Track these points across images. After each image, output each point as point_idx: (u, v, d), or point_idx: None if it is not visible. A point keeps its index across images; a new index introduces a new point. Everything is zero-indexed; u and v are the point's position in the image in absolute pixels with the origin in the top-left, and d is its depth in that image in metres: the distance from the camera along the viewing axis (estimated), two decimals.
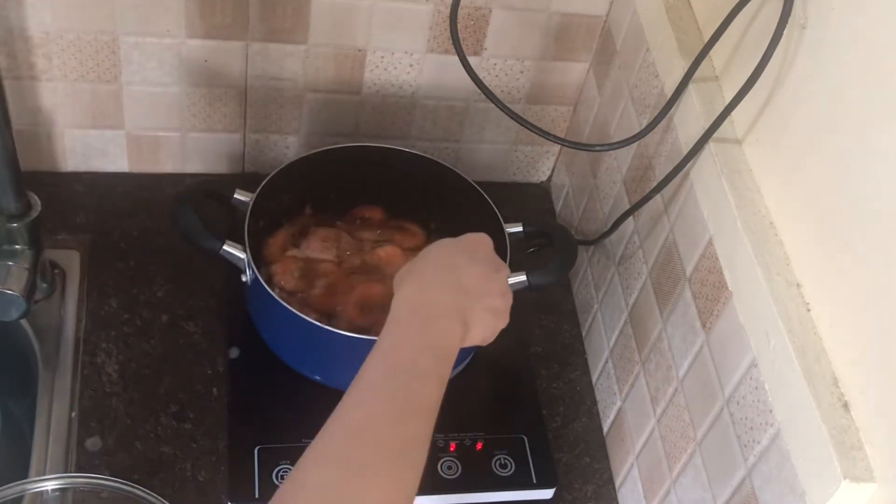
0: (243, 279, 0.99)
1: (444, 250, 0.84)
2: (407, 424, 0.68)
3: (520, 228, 1.06)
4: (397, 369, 0.71)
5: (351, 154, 1.10)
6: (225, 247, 0.97)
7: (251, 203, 1.00)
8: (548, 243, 1.07)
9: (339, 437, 0.66)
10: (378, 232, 1.11)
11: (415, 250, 1.07)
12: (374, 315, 1.02)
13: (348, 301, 1.03)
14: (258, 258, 1.03)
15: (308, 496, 0.63)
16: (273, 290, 0.98)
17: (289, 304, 0.96)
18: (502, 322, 0.84)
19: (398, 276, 0.81)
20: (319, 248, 1.07)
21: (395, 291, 0.79)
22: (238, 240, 0.98)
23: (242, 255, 0.97)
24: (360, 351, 0.93)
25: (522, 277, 1.00)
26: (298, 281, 1.04)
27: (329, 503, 0.62)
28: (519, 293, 1.02)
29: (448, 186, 1.10)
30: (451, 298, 0.78)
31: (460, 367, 1.10)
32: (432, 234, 1.12)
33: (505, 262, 0.99)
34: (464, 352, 1.09)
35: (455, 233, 0.88)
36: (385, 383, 0.70)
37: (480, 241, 0.87)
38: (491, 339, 0.84)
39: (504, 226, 1.04)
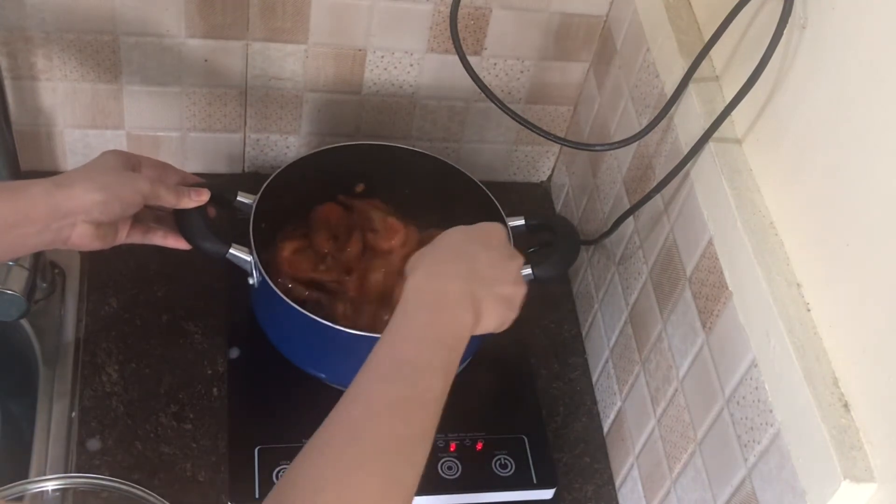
0: (250, 282, 0.99)
1: (457, 237, 0.85)
2: (407, 422, 0.68)
3: (521, 222, 1.06)
4: (402, 364, 0.71)
5: (351, 153, 1.10)
6: (231, 250, 0.97)
7: (254, 205, 1.00)
8: (549, 238, 1.06)
9: (336, 433, 0.66)
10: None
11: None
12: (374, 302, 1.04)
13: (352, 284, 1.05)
14: (264, 259, 1.03)
15: (302, 493, 0.63)
16: (280, 290, 0.97)
17: (295, 299, 0.97)
18: (514, 312, 0.83)
19: (411, 262, 0.81)
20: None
21: (407, 277, 0.79)
22: (242, 242, 0.97)
23: (249, 258, 0.97)
24: (372, 349, 0.93)
25: (528, 271, 1.00)
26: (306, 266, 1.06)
27: (322, 501, 0.62)
28: None
29: (449, 183, 1.10)
30: (462, 286, 0.78)
31: (462, 366, 1.10)
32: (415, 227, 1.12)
33: None
34: (469, 346, 1.09)
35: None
36: (388, 378, 0.70)
37: (494, 230, 0.87)
38: (503, 328, 0.83)
39: (506, 220, 1.05)
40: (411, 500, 0.66)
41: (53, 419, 1.01)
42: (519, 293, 0.84)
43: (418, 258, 0.81)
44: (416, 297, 0.76)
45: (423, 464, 0.68)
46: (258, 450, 1.01)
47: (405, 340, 0.73)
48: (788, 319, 0.77)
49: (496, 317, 0.81)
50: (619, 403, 1.08)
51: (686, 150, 0.92)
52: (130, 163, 0.90)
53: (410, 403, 0.69)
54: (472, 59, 1.10)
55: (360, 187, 1.13)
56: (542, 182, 1.37)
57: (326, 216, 1.10)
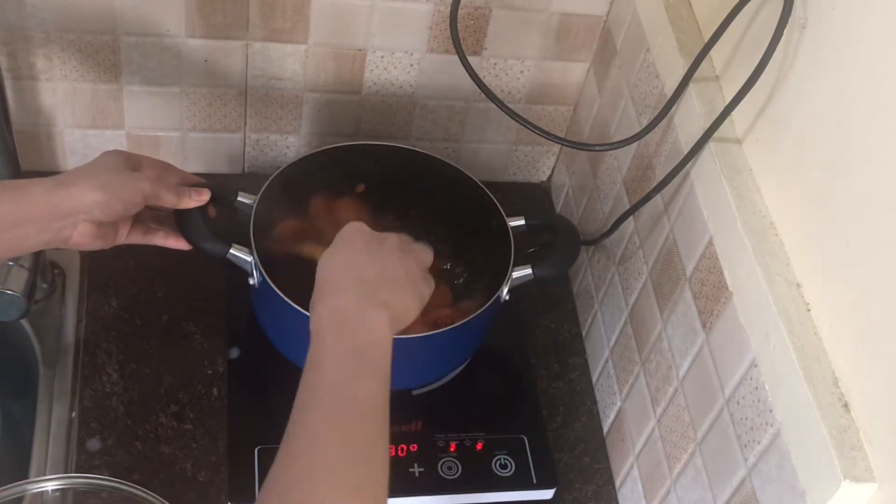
0: (250, 282, 0.99)
1: (335, 258, 0.84)
2: (349, 436, 0.69)
3: (522, 222, 1.06)
4: (327, 385, 0.73)
5: (351, 153, 1.10)
6: (231, 250, 0.97)
7: (255, 205, 1.00)
8: (549, 238, 1.07)
9: (291, 466, 0.68)
10: None
11: None
12: None
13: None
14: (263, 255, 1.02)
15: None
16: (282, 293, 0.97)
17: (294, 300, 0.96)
18: (418, 284, 0.84)
19: (320, 263, 0.83)
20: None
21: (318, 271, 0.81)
22: (242, 242, 0.97)
23: (249, 258, 0.97)
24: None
25: (528, 271, 1.00)
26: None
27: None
28: (521, 290, 1.02)
29: (449, 183, 1.09)
30: (357, 295, 0.79)
31: (462, 366, 1.10)
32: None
33: (509, 257, 1.00)
34: (469, 345, 1.08)
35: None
36: (319, 403, 0.72)
37: (354, 230, 0.86)
38: (425, 301, 0.84)
39: (507, 220, 1.05)
40: (384, 498, 0.67)
41: (53, 419, 1.01)
42: (410, 271, 0.84)
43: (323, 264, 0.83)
44: (319, 322, 0.78)
45: (386, 463, 0.69)
46: (258, 450, 1.01)
47: (322, 365, 0.74)
48: (788, 319, 0.77)
49: (406, 304, 0.81)
50: (619, 403, 1.08)
51: (686, 150, 0.92)
52: (131, 163, 0.90)
53: (347, 420, 0.70)
54: (472, 59, 1.10)
55: (360, 187, 1.13)
56: (542, 182, 1.37)
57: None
